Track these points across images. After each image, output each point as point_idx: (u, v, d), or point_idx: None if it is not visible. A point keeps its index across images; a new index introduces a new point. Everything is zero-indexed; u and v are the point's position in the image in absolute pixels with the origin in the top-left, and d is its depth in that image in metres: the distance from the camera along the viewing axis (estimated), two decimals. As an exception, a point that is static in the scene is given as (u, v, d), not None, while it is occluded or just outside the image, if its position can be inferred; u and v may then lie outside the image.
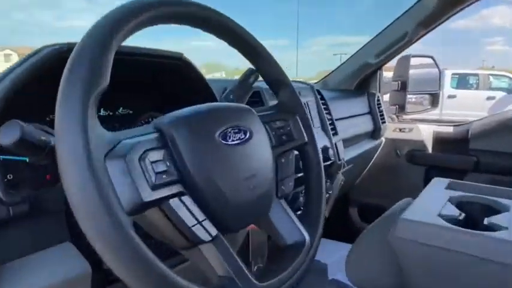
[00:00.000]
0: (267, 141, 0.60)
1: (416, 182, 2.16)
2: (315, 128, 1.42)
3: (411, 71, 2.10)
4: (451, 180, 1.19)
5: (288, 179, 0.66)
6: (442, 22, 1.95)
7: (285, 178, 0.65)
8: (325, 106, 1.57)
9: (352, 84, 2.36)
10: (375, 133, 2.19)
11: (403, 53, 2.15)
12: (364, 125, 2.08)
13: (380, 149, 2.32)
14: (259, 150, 0.56)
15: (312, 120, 1.42)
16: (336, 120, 1.76)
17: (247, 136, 0.54)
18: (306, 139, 0.69)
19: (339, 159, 1.51)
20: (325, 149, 1.39)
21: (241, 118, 0.54)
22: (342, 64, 2.41)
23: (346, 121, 1.89)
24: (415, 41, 2.05)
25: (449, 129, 2.13)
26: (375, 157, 2.35)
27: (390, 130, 2.29)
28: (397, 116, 2.41)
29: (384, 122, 2.25)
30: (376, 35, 2.16)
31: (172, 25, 0.51)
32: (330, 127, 1.50)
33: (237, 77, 0.88)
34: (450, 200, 1.00)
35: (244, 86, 0.79)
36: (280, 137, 0.64)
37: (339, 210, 2.52)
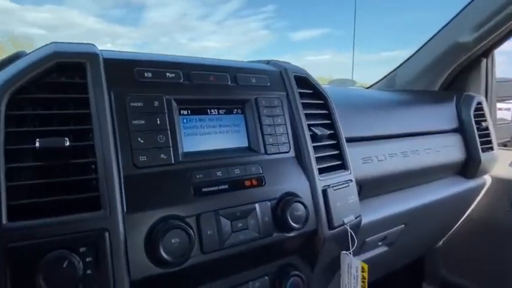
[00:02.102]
0: None
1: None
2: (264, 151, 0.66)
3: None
4: None
5: None
6: None
7: None
8: (316, 110, 0.75)
9: (435, 83, 1.43)
10: (468, 167, 1.22)
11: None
12: (446, 151, 1.13)
13: (481, 195, 1.30)
14: None
15: (260, 137, 0.65)
16: (371, 139, 0.92)
17: None
18: None
19: (331, 226, 0.68)
20: (283, 204, 0.59)
21: None
22: (417, 51, 1.49)
23: (398, 143, 1.00)
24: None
25: None
26: (470, 209, 1.33)
27: (503, 163, 1.24)
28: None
29: (490, 149, 1.25)
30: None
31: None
32: (312, 154, 0.68)
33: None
34: None
35: None
36: None
37: (404, 286, 1.54)
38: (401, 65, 1.56)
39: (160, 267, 0.49)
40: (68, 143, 0.46)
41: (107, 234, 0.46)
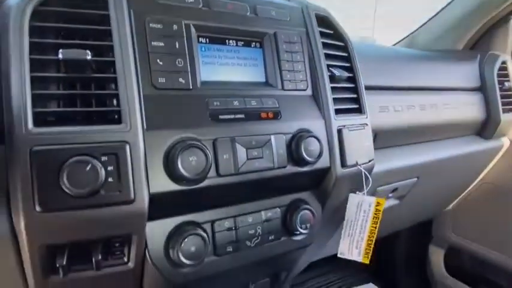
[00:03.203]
0: None
1: None
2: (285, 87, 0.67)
3: None
4: None
5: None
6: None
7: None
8: (335, 51, 0.73)
9: (458, 42, 1.38)
10: (486, 128, 1.19)
11: None
12: (465, 109, 1.11)
13: (497, 158, 1.28)
14: None
15: (281, 71, 0.65)
16: (390, 89, 0.90)
17: None
18: None
19: (343, 164, 0.68)
20: (298, 138, 0.60)
21: None
22: (441, 10, 1.42)
23: (416, 96, 0.98)
24: None
25: None
26: (484, 172, 1.32)
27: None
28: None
29: (511, 110, 1.22)
30: None
31: None
32: (330, 94, 0.67)
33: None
34: None
35: None
36: None
37: (410, 247, 1.57)
38: (424, 24, 1.50)
39: (178, 184, 0.51)
40: (89, 57, 0.47)
41: (127, 146, 0.47)
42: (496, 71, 1.19)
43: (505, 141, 1.25)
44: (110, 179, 0.46)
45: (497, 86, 1.18)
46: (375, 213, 0.71)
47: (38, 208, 0.42)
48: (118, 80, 0.49)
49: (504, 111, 1.19)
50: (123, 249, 0.52)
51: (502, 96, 1.19)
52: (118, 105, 0.48)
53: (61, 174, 0.43)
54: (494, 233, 1.38)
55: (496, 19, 1.30)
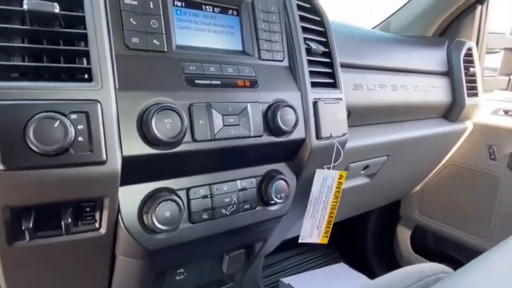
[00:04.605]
0: None
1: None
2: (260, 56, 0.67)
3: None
4: None
5: None
6: None
7: None
8: (312, 25, 0.74)
9: (428, 29, 1.43)
10: (452, 111, 1.25)
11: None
12: (433, 92, 1.15)
13: (461, 140, 1.35)
14: None
15: (254, 39, 0.65)
16: (364, 68, 0.92)
17: None
18: None
19: (318, 136, 0.69)
20: (274, 107, 0.60)
21: None
22: (413, -4, 1.47)
23: (388, 76, 1.01)
24: None
25: None
26: (449, 153, 1.39)
27: (485, 111, 1.31)
28: None
29: (475, 95, 1.28)
30: None
31: None
32: (306, 66, 0.68)
33: None
34: None
35: None
36: None
37: (380, 227, 1.63)
38: (396, 11, 1.54)
39: (153, 147, 0.49)
40: (57, 10, 0.44)
41: (98, 105, 0.45)
42: (462, 57, 1.24)
43: (468, 125, 1.32)
44: (80, 138, 0.44)
45: (463, 71, 1.23)
46: (337, 187, 0.74)
47: (1, 166, 0.40)
48: (88, 36, 0.46)
49: (469, 95, 1.25)
50: (94, 214, 0.50)
51: (467, 81, 1.25)
52: (88, 63, 0.46)
53: (27, 131, 0.40)
54: (456, 212, 1.46)
55: (463, 8, 1.36)
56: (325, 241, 0.79)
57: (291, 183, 0.69)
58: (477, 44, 1.39)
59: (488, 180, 1.34)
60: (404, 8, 1.50)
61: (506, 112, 1.39)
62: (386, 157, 1.06)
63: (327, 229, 0.78)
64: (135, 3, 0.51)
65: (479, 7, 1.36)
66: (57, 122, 0.41)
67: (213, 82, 0.57)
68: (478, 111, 1.32)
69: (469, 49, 1.28)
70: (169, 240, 0.55)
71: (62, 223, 0.46)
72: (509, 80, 1.53)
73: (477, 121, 1.35)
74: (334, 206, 0.76)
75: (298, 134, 0.66)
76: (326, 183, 0.75)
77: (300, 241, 0.78)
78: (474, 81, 1.28)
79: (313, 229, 0.78)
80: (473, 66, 1.28)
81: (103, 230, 0.51)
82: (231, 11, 0.63)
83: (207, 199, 0.59)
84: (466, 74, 1.25)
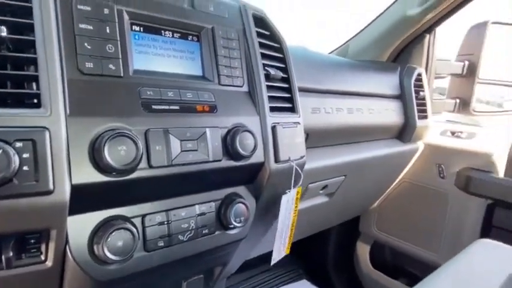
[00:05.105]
0: None
1: (470, 223, 1.27)
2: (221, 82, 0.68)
3: (487, 47, 1.41)
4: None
5: None
6: None
7: None
8: (271, 51, 0.77)
9: (383, 55, 1.51)
10: (404, 132, 1.32)
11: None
12: (387, 114, 1.22)
13: (413, 159, 1.43)
14: None
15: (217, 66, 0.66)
16: (321, 92, 0.96)
17: None
18: None
19: (277, 160, 0.71)
20: (233, 132, 0.62)
21: None
22: (369, 24, 1.56)
23: (345, 100, 1.06)
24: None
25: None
26: (403, 171, 1.46)
27: (435, 132, 1.40)
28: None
29: (425, 117, 1.37)
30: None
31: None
32: (265, 91, 0.70)
33: None
34: None
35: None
36: None
37: (340, 244, 1.66)
38: (354, 36, 1.63)
39: (105, 174, 0.48)
40: (4, 33, 0.43)
41: (47, 133, 0.44)
42: (413, 82, 1.33)
43: (420, 145, 1.41)
44: (25, 168, 0.42)
45: (413, 95, 1.32)
46: (295, 203, 0.76)
47: None
48: (38, 61, 0.45)
49: (419, 117, 1.33)
50: (40, 246, 0.47)
51: (418, 104, 1.33)
52: (38, 88, 0.45)
53: None
54: (411, 228, 1.53)
55: (413, 37, 1.47)
56: (288, 251, 0.82)
57: (251, 206, 0.70)
58: (426, 69, 1.50)
59: (438, 197, 1.43)
60: (361, 33, 1.59)
61: (453, 133, 1.50)
62: (343, 177, 1.10)
63: (289, 240, 0.80)
64: (91, 27, 0.51)
65: (427, 36, 1.47)
66: (0, 150, 0.39)
67: (172, 107, 0.57)
68: (428, 132, 1.41)
69: (419, 74, 1.37)
70: (122, 271, 0.53)
71: (3, 257, 0.43)
72: (455, 103, 1.65)
73: (427, 141, 1.44)
74: (294, 219, 0.79)
75: (257, 158, 0.67)
76: (289, 205, 0.77)
77: (272, 264, 0.79)
78: (424, 104, 1.37)
79: (281, 247, 0.79)
80: (423, 90, 1.37)
81: (49, 263, 0.48)
82: (191, 36, 0.64)
83: (163, 226, 0.58)
84: (416, 98, 1.33)
